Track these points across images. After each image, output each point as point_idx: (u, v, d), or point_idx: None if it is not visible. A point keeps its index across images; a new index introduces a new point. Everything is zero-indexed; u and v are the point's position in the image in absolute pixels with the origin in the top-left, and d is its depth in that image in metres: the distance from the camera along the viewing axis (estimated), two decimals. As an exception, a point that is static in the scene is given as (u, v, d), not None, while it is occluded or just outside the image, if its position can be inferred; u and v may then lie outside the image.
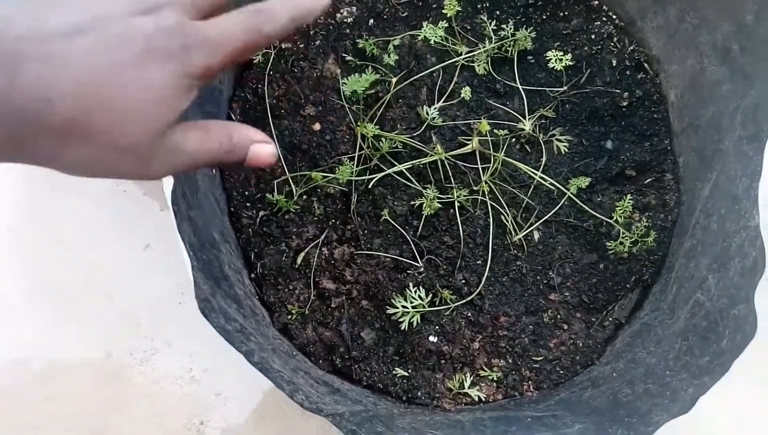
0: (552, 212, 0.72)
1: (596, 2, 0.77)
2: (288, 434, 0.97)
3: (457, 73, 0.75)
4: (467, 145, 0.72)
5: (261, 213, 0.72)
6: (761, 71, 0.57)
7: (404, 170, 0.71)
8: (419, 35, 0.75)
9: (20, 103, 0.31)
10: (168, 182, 0.51)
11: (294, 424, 0.97)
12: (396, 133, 0.73)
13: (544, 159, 0.73)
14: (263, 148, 0.39)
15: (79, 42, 0.32)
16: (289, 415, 0.97)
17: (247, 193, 0.72)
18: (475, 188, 0.72)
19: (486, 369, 0.69)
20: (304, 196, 0.73)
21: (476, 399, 0.67)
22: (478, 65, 0.75)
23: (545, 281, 0.72)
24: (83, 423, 0.96)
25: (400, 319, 0.68)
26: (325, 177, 0.71)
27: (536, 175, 0.71)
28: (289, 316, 0.70)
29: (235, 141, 0.38)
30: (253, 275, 0.71)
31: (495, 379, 0.69)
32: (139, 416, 0.96)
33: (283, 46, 0.76)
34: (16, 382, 0.99)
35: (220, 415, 0.97)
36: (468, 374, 0.69)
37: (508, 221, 0.72)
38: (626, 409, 0.53)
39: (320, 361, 0.69)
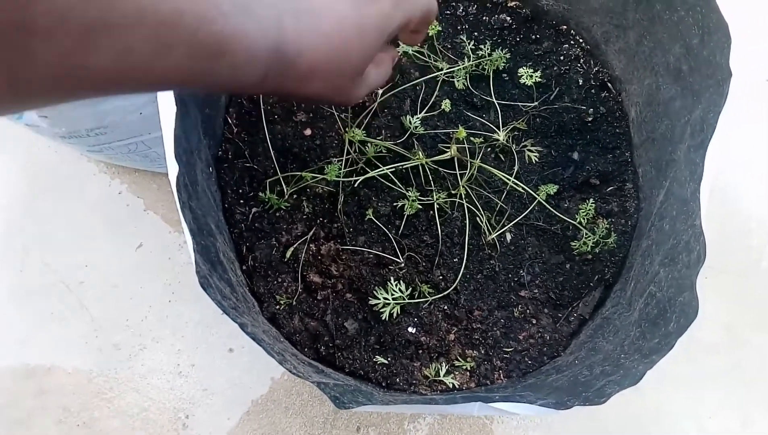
0: (523, 216, 0.78)
1: (565, 27, 0.85)
2: (272, 431, 1.01)
3: (438, 87, 0.82)
4: (446, 152, 0.78)
5: (253, 210, 0.77)
6: (706, 88, 0.64)
7: (388, 173, 0.77)
8: (401, 50, 0.82)
9: (283, 58, 0.39)
10: (173, 172, 0.57)
11: (278, 421, 1.01)
12: (381, 139, 0.79)
13: (516, 167, 0.80)
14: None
15: (318, 3, 0.41)
16: (272, 412, 1.01)
17: (240, 190, 0.78)
18: (453, 192, 0.78)
19: (460, 359, 0.74)
20: (294, 196, 0.78)
21: (451, 386, 0.72)
22: (458, 80, 0.82)
23: (516, 279, 0.78)
24: (73, 416, 0.99)
25: (381, 311, 0.73)
26: (314, 177, 0.77)
27: (509, 181, 0.78)
28: (278, 307, 0.74)
29: (390, 69, 0.52)
30: (244, 267, 0.76)
31: (468, 368, 0.74)
32: (127, 410, 1.00)
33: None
34: (7, 377, 1.02)
35: (205, 411, 1.01)
36: (443, 363, 0.74)
37: (483, 223, 0.78)
38: (584, 387, 0.59)
39: (305, 349, 0.74)
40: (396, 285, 0.74)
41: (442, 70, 0.82)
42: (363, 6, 0.44)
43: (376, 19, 0.44)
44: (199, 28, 0.32)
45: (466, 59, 0.83)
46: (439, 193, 0.78)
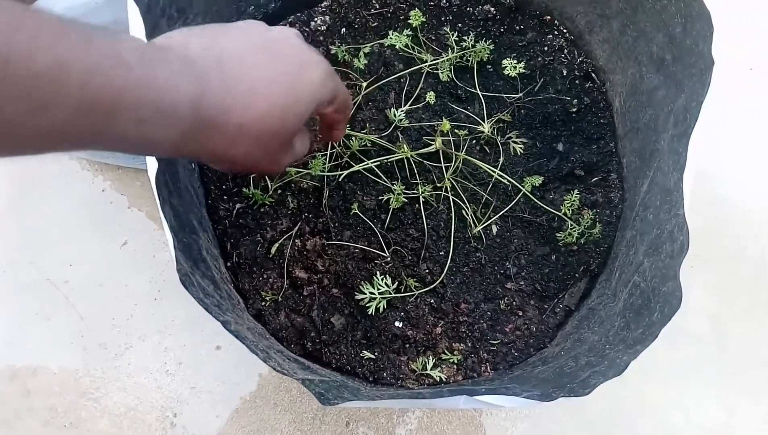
0: (509, 208, 0.78)
1: (549, 17, 0.85)
2: (261, 428, 1.00)
3: (422, 79, 0.82)
4: (431, 145, 0.78)
5: (237, 206, 0.77)
6: (689, 77, 0.64)
7: (373, 167, 0.76)
8: (387, 43, 0.81)
9: (205, 113, 0.37)
10: (152, 168, 0.56)
11: (267, 418, 1.00)
12: (365, 133, 0.78)
13: (501, 159, 0.80)
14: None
15: (250, 61, 0.39)
16: (261, 409, 1.01)
17: (224, 186, 0.77)
18: (438, 185, 0.78)
19: (447, 352, 0.74)
20: (279, 191, 0.77)
21: (438, 380, 0.72)
22: (442, 72, 0.82)
23: (502, 271, 0.78)
24: (60, 416, 0.98)
25: (368, 305, 0.72)
26: (298, 171, 0.76)
27: (495, 173, 0.78)
28: (263, 303, 0.74)
29: (309, 143, 0.52)
30: (228, 264, 0.75)
31: (455, 361, 0.74)
32: (114, 409, 0.99)
33: (261, 52, 0.81)
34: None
35: (193, 409, 1.00)
36: (430, 357, 0.73)
37: (468, 216, 0.77)
38: (569, 378, 0.59)
39: (292, 346, 0.73)
40: (382, 279, 0.73)
41: (426, 62, 0.81)
42: (298, 69, 0.42)
43: (310, 84, 0.43)
44: (89, 82, 0.29)
45: (450, 51, 0.83)
46: (425, 186, 0.77)
